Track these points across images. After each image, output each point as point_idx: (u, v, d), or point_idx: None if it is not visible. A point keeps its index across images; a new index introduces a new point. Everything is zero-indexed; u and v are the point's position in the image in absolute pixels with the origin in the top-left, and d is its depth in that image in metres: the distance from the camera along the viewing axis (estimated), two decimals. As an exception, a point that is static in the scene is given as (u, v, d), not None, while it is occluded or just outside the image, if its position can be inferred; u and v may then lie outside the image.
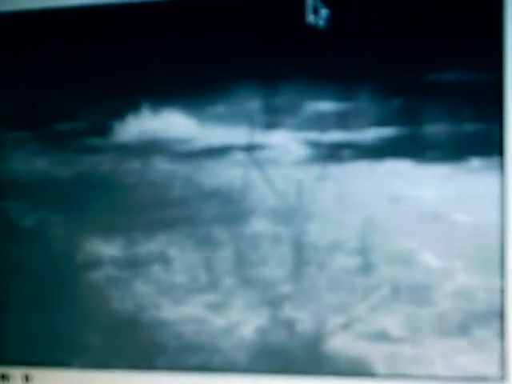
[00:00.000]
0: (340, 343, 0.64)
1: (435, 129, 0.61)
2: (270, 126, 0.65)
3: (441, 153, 0.60)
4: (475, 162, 0.60)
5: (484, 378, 0.60)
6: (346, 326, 0.63)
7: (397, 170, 0.61)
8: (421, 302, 0.61)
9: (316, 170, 0.64)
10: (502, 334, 0.59)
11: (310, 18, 0.61)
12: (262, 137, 0.65)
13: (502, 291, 0.59)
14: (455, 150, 0.60)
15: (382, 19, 0.62)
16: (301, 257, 0.65)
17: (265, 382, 0.65)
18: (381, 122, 0.62)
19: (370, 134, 0.62)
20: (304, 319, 0.65)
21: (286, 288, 0.65)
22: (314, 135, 0.64)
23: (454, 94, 0.60)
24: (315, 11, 0.62)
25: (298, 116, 0.64)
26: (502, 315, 0.59)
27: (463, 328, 0.61)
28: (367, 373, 0.63)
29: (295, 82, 0.64)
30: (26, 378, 0.68)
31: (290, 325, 0.65)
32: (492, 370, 0.60)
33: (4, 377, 0.68)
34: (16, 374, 0.69)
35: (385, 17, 0.62)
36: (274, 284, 0.65)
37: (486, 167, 0.59)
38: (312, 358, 0.64)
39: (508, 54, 0.58)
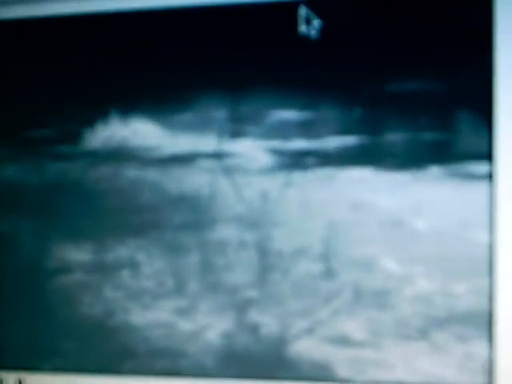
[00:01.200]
0: (303, 347, 0.65)
1: (395, 137, 0.62)
2: (236, 134, 0.66)
3: (401, 161, 0.62)
4: (434, 170, 0.61)
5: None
6: (310, 331, 0.65)
7: (358, 178, 0.63)
8: (382, 306, 0.63)
9: (280, 177, 0.65)
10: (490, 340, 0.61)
11: (303, 28, 0.63)
12: (228, 145, 0.66)
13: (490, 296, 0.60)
14: (415, 158, 0.62)
15: (341, 29, 0.63)
16: (266, 263, 0.66)
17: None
18: (343, 131, 0.63)
19: (333, 143, 0.63)
20: (269, 324, 0.66)
21: (252, 293, 0.66)
22: (278, 143, 0.65)
23: (413, 104, 0.62)
24: (308, 21, 0.62)
25: (262, 125, 0.65)
26: (490, 320, 0.60)
27: (423, 332, 0.62)
28: (330, 377, 0.64)
29: (260, 91, 0.65)
30: (20, 383, 0.69)
31: (255, 329, 0.66)
32: (450, 372, 0.61)
33: None
34: (9, 379, 0.70)
35: (345, 27, 0.63)
36: (239, 289, 0.66)
37: (444, 174, 0.61)
38: (276, 362, 0.66)
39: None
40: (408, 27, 0.61)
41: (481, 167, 0.60)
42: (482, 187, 0.60)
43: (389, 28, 0.62)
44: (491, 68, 0.59)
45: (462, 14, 0.60)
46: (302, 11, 0.62)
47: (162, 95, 0.67)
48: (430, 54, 0.61)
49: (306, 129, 0.64)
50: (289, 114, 0.64)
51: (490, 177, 0.60)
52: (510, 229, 0.59)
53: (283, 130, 0.64)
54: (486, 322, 0.60)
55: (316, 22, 0.62)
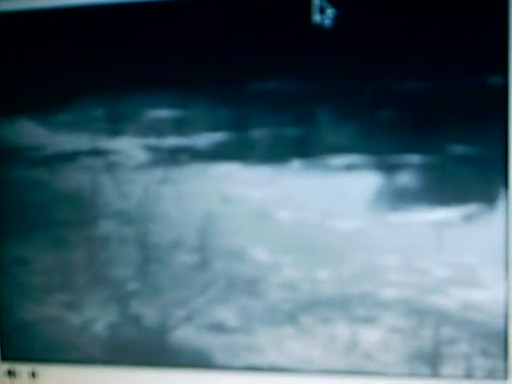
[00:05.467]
0: (183, 335, 0.68)
1: (260, 133, 0.65)
2: (114, 132, 0.68)
3: (266, 155, 0.65)
4: (295, 163, 0.64)
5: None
6: (188, 319, 0.68)
7: (227, 172, 0.66)
8: (253, 293, 0.66)
9: (157, 173, 0.68)
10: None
11: (316, 17, 0.63)
12: (107, 143, 0.69)
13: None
14: (278, 153, 0.65)
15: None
16: (146, 255, 0.69)
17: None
18: (213, 128, 0.66)
19: (204, 139, 0.66)
20: (150, 314, 0.69)
21: (133, 285, 0.69)
22: (153, 141, 0.68)
23: (275, 101, 0.65)
24: (321, 11, 0.63)
25: (138, 123, 0.68)
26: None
27: (291, 316, 0.65)
28: (208, 363, 0.67)
29: (136, 91, 0.67)
30: (33, 375, 0.71)
31: (137, 320, 0.69)
32: (316, 353, 0.65)
33: (11, 373, 0.71)
34: (22, 370, 0.72)
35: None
36: (121, 282, 0.69)
37: (305, 167, 0.64)
38: (158, 350, 0.69)
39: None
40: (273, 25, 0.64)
41: (338, 160, 0.63)
42: (340, 179, 0.63)
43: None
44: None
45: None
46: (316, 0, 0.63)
47: (45, 96, 0.69)
48: (287, 55, 0.64)
49: (179, 126, 0.67)
50: (163, 113, 0.67)
51: (349, 167, 0.63)
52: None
53: (158, 128, 0.67)
54: (347, 306, 0.64)
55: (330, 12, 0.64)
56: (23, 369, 0.72)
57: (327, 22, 0.63)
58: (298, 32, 0.64)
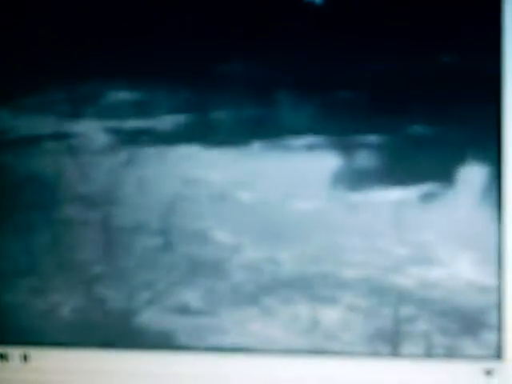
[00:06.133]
0: (147, 318, 0.68)
1: (221, 115, 0.65)
2: (76, 115, 0.68)
3: (227, 137, 0.65)
4: (256, 145, 0.64)
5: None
6: (152, 302, 0.68)
7: (188, 154, 0.66)
8: (216, 275, 0.66)
9: (119, 156, 0.68)
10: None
11: None
12: (69, 126, 0.69)
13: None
14: (239, 135, 0.65)
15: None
16: (109, 239, 0.69)
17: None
18: (173, 110, 0.66)
19: (165, 121, 0.66)
20: (114, 297, 0.69)
21: (98, 269, 0.69)
22: (114, 123, 0.68)
23: (236, 84, 0.65)
24: None
25: (99, 106, 0.68)
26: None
27: (253, 297, 0.66)
28: (172, 344, 0.67)
29: (96, 74, 0.67)
30: (25, 358, 0.71)
31: (102, 303, 0.69)
32: (278, 334, 0.65)
33: (2, 356, 0.72)
34: (14, 354, 0.72)
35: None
36: (86, 266, 0.69)
37: (266, 149, 0.64)
38: (123, 332, 0.69)
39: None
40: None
41: (298, 141, 0.64)
42: (300, 160, 0.64)
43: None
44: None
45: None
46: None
47: (9, 81, 0.69)
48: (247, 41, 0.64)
49: (139, 109, 0.67)
50: (123, 95, 0.67)
51: (309, 148, 0.63)
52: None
53: (119, 111, 0.67)
54: (309, 286, 0.64)
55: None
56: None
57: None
58: (258, 15, 0.64)
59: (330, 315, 0.64)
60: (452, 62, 0.60)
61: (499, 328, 0.60)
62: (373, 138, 0.62)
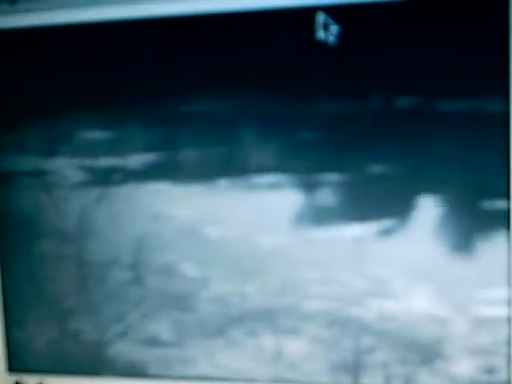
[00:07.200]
0: (119, 349, 0.71)
1: (188, 153, 0.68)
2: (51, 153, 0.71)
3: (194, 174, 0.68)
4: (222, 182, 0.67)
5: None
6: (123, 334, 0.70)
7: (158, 191, 0.69)
8: (184, 308, 0.69)
9: (92, 192, 0.71)
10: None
11: (321, 33, 0.64)
12: (45, 163, 0.72)
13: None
14: (206, 172, 0.68)
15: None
16: (83, 273, 0.71)
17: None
18: (144, 149, 0.69)
19: (136, 159, 0.69)
20: (87, 330, 0.71)
21: (71, 302, 0.71)
22: (88, 161, 0.71)
23: (202, 122, 0.68)
24: (325, 27, 0.65)
25: (73, 144, 0.71)
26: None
27: (220, 329, 0.68)
28: (142, 374, 0.70)
29: (70, 112, 0.70)
30: None
31: (76, 335, 0.72)
32: (244, 365, 0.68)
33: None
34: (30, 382, 0.73)
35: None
36: (60, 299, 0.72)
37: (232, 186, 0.67)
38: (97, 362, 0.71)
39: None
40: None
41: (263, 179, 0.67)
42: (264, 197, 0.67)
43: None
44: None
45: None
46: (320, 17, 0.64)
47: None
48: (211, 80, 0.67)
49: (112, 147, 0.70)
50: (96, 134, 0.70)
51: (273, 186, 0.66)
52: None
53: (91, 149, 0.70)
54: (273, 318, 0.67)
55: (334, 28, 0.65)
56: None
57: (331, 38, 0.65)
58: (221, 56, 0.67)
59: (294, 346, 0.67)
60: (404, 104, 0.63)
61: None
62: (334, 176, 0.65)
